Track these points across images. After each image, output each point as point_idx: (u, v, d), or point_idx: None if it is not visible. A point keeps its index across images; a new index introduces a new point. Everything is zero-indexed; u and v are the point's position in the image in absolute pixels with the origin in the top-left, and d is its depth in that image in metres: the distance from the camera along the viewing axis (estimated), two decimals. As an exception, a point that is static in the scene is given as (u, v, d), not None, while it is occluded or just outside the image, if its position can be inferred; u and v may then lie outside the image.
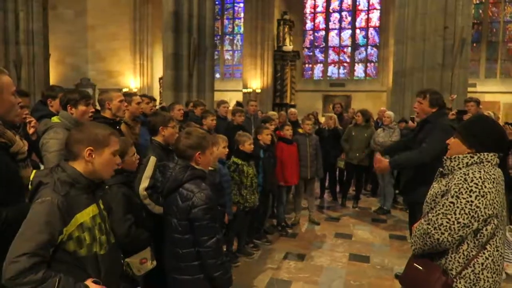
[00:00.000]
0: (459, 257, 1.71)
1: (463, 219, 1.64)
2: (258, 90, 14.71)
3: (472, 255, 1.69)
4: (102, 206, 1.63)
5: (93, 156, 1.53)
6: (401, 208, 6.28)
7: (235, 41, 18.93)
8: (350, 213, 6.11)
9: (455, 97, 5.87)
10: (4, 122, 1.67)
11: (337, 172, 6.83)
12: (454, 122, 3.52)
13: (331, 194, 6.94)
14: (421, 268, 1.80)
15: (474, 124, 1.87)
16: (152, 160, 2.70)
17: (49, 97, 3.23)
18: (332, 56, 17.88)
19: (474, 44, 14.45)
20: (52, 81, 12.17)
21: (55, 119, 2.47)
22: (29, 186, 1.51)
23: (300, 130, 5.50)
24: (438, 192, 1.81)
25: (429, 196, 1.89)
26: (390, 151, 4.02)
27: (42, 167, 2.29)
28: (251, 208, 4.01)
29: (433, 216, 1.72)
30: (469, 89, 8.38)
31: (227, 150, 3.53)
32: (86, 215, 1.50)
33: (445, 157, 1.85)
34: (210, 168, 2.67)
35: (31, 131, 2.60)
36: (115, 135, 1.65)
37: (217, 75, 16.96)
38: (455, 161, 1.78)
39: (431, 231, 1.70)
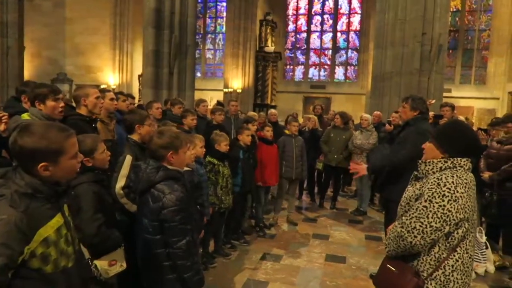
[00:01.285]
0: (431, 259, 1.75)
1: (436, 223, 1.67)
2: (239, 90, 14.69)
3: (443, 257, 1.73)
4: (67, 212, 1.46)
5: (49, 169, 1.32)
6: (378, 209, 6.39)
7: (217, 40, 18.84)
8: (327, 214, 6.18)
9: (434, 102, 6.01)
10: None
11: (316, 173, 6.89)
12: (430, 126, 3.63)
13: (309, 195, 7.00)
14: (394, 269, 1.83)
15: (448, 129, 1.92)
16: (128, 158, 2.65)
17: (23, 93, 3.09)
18: (313, 58, 18.05)
19: (451, 51, 14.92)
20: (27, 75, 11.79)
21: (25, 116, 2.38)
22: None
23: (287, 132, 5.53)
24: (412, 195, 1.84)
25: (403, 199, 1.92)
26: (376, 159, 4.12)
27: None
28: (226, 209, 3.99)
29: (406, 219, 1.75)
30: (445, 94, 8.62)
31: (204, 149, 3.49)
32: (50, 228, 1.32)
33: (420, 161, 1.88)
34: (187, 168, 2.64)
35: (1, 127, 2.47)
36: (72, 135, 1.41)
37: (198, 74, 16.84)
38: (429, 165, 1.81)
39: (405, 234, 1.73)
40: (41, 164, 1.30)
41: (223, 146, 3.86)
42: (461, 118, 6.32)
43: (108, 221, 2.11)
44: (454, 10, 15.31)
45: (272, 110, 7.40)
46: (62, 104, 2.54)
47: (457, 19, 15.57)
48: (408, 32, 7.69)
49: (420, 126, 3.40)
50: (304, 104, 17.11)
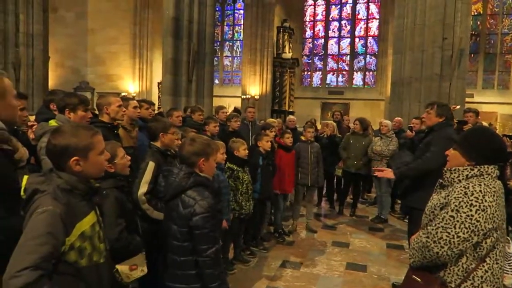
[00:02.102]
0: (458, 270, 1.69)
1: (463, 233, 1.62)
2: (257, 97, 14.76)
3: (472, 268, 1.68)
4: (98, 213, 1.59)
5: (80, 164, 1.46)
6: (399, 217, 6.28)
7: (234, 48, 19.03)
8: (347, 221, 6.10)
9: (458, 108, 5.88)
10: (11, 126, 1.65)
11: (335, 180, 6.83)
12: (454, 132, 3.57)
13: (328, 202, 6.93)
14: (419, 280, 1.78)
15: (473, 136, 1.86)
16: (151, 165, 2.69)
17: (51, 101, 3.22)
18: (331, 64, 17.99)
19: (472, 55, 14.60)
20: (51, 83, 12.17)
21: (52, 122, 2.46)
22: (21, 193, 1.42)
23: (302, 138, 5.51)
24: (437, 204, 1.79)
25: (428, 207, 1.87)
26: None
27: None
28: (247, 215, 3.99)
29: (432, 229, 1.70)
30: (467, 99, 8.42)
31: (225, 156, 3.52)
32: (86, 223, 1.45)
33: (445, 168, 1.83)
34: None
35: (32, 135, 2.58)
36: (98, 134, 1.56)
37: (216, 81, 17.01)
38: (455, 173, 1.76)
39: (430, 244, 1.68)
40: (73, 159, 1.44)
41: (241, 151, 3.86)
42: (485, 124, 6.19)
43: (129, 227, 2.14)
44: (475, 13, 15.01)
45: (291, 116, 7.40)
46: (90, 115, 2.62)
47: (478, 22, 15.26)
48: (427, 37, 7.58)
49: (446, 131, 3.36)
50: (322, 110, 17.05)
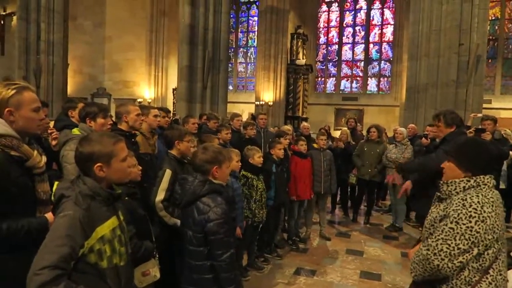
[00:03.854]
0: (461, 283, 1.67)
1: (463, 245, 1.61)
2: (271, 103, 14.80)
3: (475, 280, 1.66)
4: (121, 218, 1.67)
5: (104, 170, 1.55)
6: (414, 225, 6.20)
7: (248, 54, 19.16)
8: (361, 229, 6.05)
9: (479, 116, 5.79)
10: (25, 136, 1.70)
11: (349, 187, 6.79)
12: None
13: (342, 209, 6.90)
14: None
15: (467, 147, 1.86)
16: (168, 173, 2.75)
17: (69, 108, 3.35)
18: (345, 70, 17.93)
19: (490, 60, 14.35)
20: (70, 90, 12.48)
21: (75, 131, 2.56)
22: (52, 198, 1.55)
23: (315, 145, 5.51)
24: (436, 217, 1.78)
25: (427, 221, 1.86)
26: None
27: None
28: (260, 223, 4.01)
29: (432, 241, 1.69)
30: (484, 105, 8.30)
31: (240, 164, 3.56)
32: (106, 227, 1.53)
33: (441, 182, 1.83)
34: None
35: (53, 143, 2.68)
36: (121, 141, 1.64)
37: (230, 87, 17.12)
38: (451, 185, 1.77)
39: (431, 257, 1.67)
40: (97, 165, 1.53)
41: (256, 158, 3.90)
42: (507, 130, 6.09)
43: (140, 233, 2.19)
44: (493, 18, 14.78)
45: (305, 124, 7.40)
46: (110, 122, 2.71)
47: (496, 27, 15.01)
48: (443, 43, 7.51)
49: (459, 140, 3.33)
50: (335, 116, 16.98)
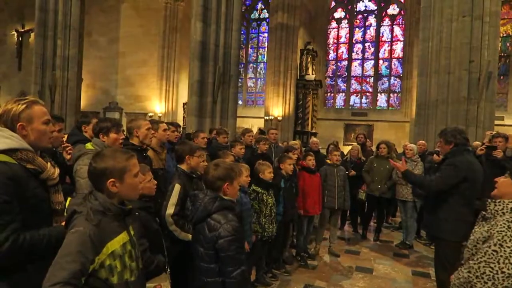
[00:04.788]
0: None
1: (508, 269, 1.55)
2: (280, 118, 14.86)
3: None
4: (132, 232, 1.68)
5: (116, 185, 1.58)
6: (425, 243, 6.10)
7: (258, 69, 19.35)
8: (371, 246, 5.98)
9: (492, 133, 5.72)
10: (38, 149, 1.74)
11: (358, 204, 6.73)
12: (471, 157, 3.51)
13: (352, 226, 6.83)
14: None
15: None
16: (177, 187, 2.78)
17: (83, 124, 3.43)
18: (355, 85, 17.96)
19: (502, 77, 14.25)
20: (83, 104, 12.73)
21: (89, 145, 2.62)
22: (64, 213, 1.58)
23: (328, 161, 5.52)
24: (479, 237, 1.72)
25: (470, 241, 1.80)
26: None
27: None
28: (269, 238, 4.00)
29: (474, 263, 1.64)
30: (496, 122, 8.21)
31: (249, 178, 3.58)
32: (116, 243, 1.54)
33: (489, 200, 1.78)
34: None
35: (67, 157, 2.75)
36: (133, 157, 1.67)
37: (240, 102, 17.27)
38: (499, 205, 1.71)
39: (473, 279, 1.62)
40: (110, 180, 1.56)
41: (267, 174, 3.91)
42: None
43: (153, 247, 2.21)
44: (504, 35, 14.74)
45: (314, 139, 7.40)
46: (122, 137, 2.77)
47: (507, 44, 14.95)
48: (454, 60, 7.51)
49: (456, 158, 3.34)
50: (345, 131, 16.94)
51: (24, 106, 1.69)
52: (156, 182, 2.49)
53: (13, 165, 1.59)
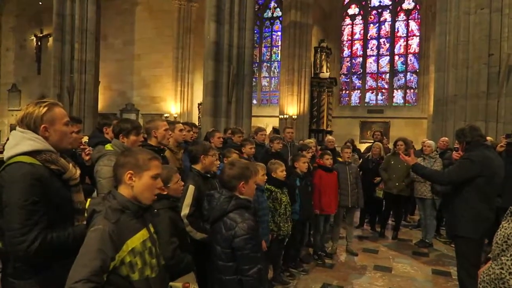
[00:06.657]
0: None
1: None
2: (295, 116, 14.80)
3: None
4: (152, 230, 1.70)
5: (133, 179, 1.61)
6: (445, 241, 5.98)
7: (272, 68, 19.32)
8: (389, 244, 5.90)
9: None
10: (59, 150, 1.80)
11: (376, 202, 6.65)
12: (488, 152, 3.43)
13: (370, 224, 6.75)
14: None
15: None
16: (191, 188, 2.81)
17: (104, 125, 3.50)
18: (370, 82, 17.75)
19: (522, 70, 13.83)
20: (99, 106, 12.97)
21: (108, 146, 2.67)
22: (85, 214, 1.61)
23: (339, 159, 5.47)
24: (510, 233, 1.66)
25: (499, 237, 1.74)
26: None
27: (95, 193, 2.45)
28: (285, 236, 4.00)
29: (507, 260, 1.59)
30: (518, 117, 7.98)
31: (266, 177, 3.58)
32: (136, 240, 1.56)
33: None
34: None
35: (87, 158, 2.81)
36: (157, 160, 1.70)
37: (254, 101, 17.29)
38: None
39: (505, 276, 1.57)
40: (128, 172, 1.61)
41: (279, 173, 3.91)
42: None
43: (181, 245, 2.24)
44: (525, 27, 14.30)
45: (329, 137, 7.36)
46: (142, 139, 2.81)
47: (528, 36, 14.51)
48: (472, 54, 7.33)
49: (472, 153, 3.32)
50: (361, 129, 16.77)
51: (46, 108, 1.74)
52: (183, 183, 2.53)
53: (39, 166, 1.65)
